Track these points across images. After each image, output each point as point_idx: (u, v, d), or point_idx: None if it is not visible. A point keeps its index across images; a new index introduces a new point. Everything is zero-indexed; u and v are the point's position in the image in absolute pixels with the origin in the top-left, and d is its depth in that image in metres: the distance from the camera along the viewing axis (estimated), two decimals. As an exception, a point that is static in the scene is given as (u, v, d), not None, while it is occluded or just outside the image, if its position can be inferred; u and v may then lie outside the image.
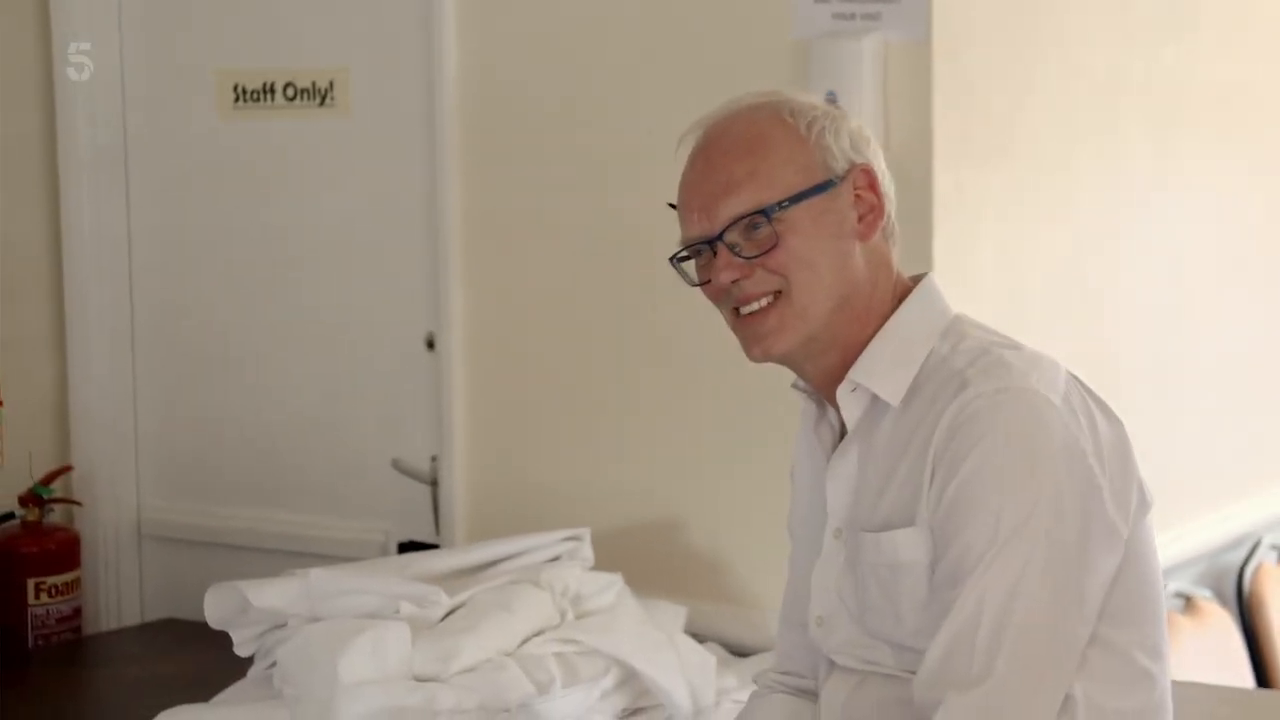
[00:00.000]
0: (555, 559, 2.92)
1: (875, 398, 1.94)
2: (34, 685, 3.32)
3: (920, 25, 2.91)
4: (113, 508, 3.72)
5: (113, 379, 3.72)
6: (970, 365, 1.89)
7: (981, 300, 3.04)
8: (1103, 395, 1.96)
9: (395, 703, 2.51)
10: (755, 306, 1.95)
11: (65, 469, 3.64)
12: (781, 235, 1.92)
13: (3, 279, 3.64)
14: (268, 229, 3.61)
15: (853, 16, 2.94)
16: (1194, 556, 3.70)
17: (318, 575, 2.73)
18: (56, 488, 3.58)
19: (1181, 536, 3.65)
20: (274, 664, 2.69)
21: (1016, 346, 1.93)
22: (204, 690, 2.84)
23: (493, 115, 3.30)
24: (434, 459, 3.40)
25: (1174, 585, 3.59)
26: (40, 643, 3.47)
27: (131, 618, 3.71)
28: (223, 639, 2.84)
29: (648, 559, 3.12)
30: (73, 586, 3.54)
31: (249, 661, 2.83)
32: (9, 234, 3.65)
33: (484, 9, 3.29)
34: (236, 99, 3.60)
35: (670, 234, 3.13)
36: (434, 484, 3.40)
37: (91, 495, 3.69)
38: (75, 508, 3.67)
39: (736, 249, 1.93)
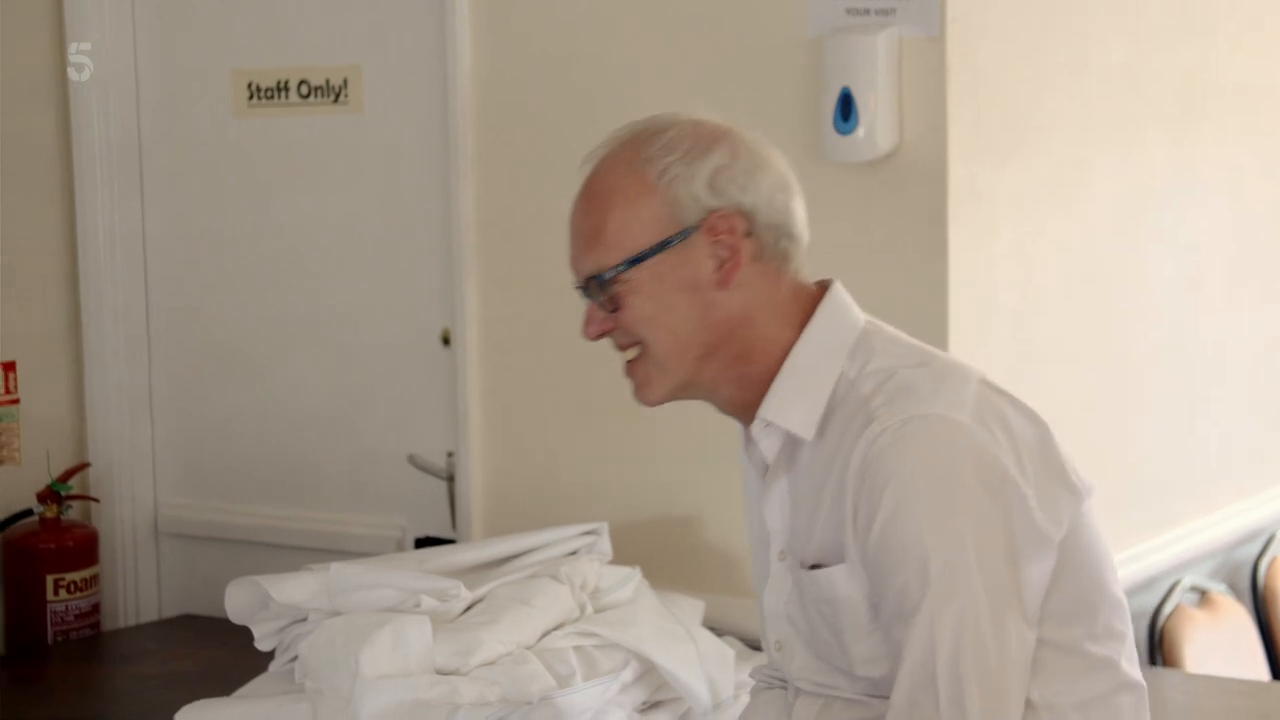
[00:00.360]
0: (573, 553, 2.92)
1: (790, 431, 1.93)
2: (54, 681, 3.32)
3: (934, 20, 2.91)
4: (129, 504, 3.73)
5: (129, 376, 3.73)
6: (876, 392, 1.87)
7: (996, 295, 3.06)
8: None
9: (417, 696, 2.52)
10: (629, 356, 1.95)
11: (82, 466, 3.65)
12: (624, 296, 1.90)
13: (19, 278, 3.65)
14: (282, 226, 3.62)
15: (867, 12, 2.94)
16: (1209, 551, 3.70)
17: (338, 570, 2.74)
18: (74, 484, 3.59)
19: (1196, 531, 3.65)
20: (295, 658, 2.70)
21: (924, 363, 1.90)
22: (223, 685, 2.85)
23: (506, 111, 3.31)
24: (450, 455, 3.40)
25: (1189, 579, 3.59)
26: (59, 638, 3.49)
27: (149, 614, 3.72)
28: (240, 634, 2.85)
29: (665, 553, 3.13)
30: (91, 583, 3.55)
31: (267, 657, 2.83)
32: (24, 233, 3.66)
33: (497, 6, 3.30)
34: (251, 97, 3.61)
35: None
36: (450, 479, 3.40)
37: (109, 492, 3.70)
38: (93, 505, 3.68)
39: (599, 301, 1.93)
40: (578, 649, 2.68)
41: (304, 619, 2.75)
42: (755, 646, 3.00)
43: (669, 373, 1.93)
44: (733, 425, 3.07)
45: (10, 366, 3.61)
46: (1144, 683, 1.97)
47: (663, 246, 1.89)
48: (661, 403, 1.95)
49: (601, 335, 1.95)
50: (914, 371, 1.88)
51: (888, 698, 1.85)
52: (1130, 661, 1.96)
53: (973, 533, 1.80)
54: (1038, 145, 3.18)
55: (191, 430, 3.73)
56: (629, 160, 1.91)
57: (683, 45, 3.13)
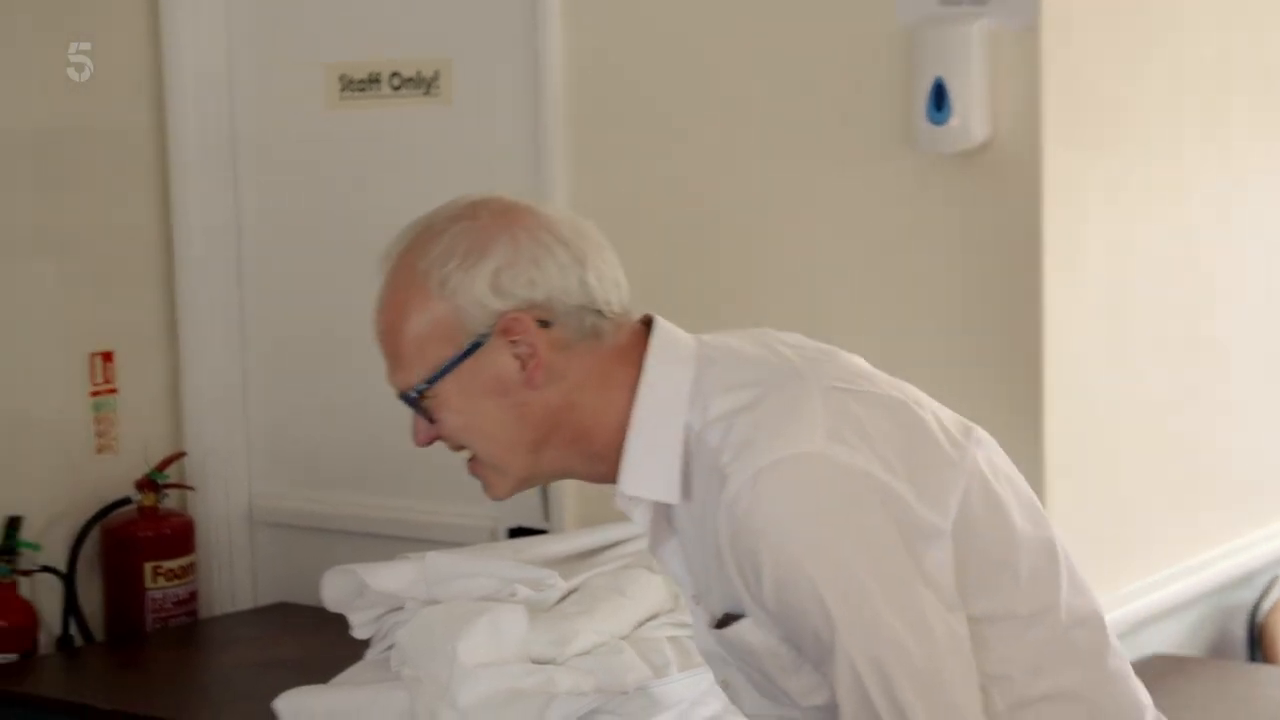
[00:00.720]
0: (666, 544, 2.93)
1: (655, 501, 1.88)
2: (153, 667, 3.37)
3: (1028, 11, 2.89)
4: (224, 493, 3.77)
5: (224, 366, 3.76)
6: (723, 446, 1.80)
7: (1090, 287, 3.04)
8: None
9: (513, 685, 2.53)
10: (467, 455, 1.91)
11: (178, 455, 3.68)
12: (434, 410, 1.85)
13: (116, 270, 3.69)
14: (374, 217, 3.63)
15: (959, 2, 2.93)
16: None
17: (434, 559, 2.76)
18: (170, 473, 3.63)
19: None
20: (391, 646, 2.73)
21: (760, 397, 1.81)
22: (318, 673, 2.87)
23: (598, 105, 3.31)
24: (542, 446, 3.41)
25: (1287, 575, 3.56)
26: (157, 625, 3.53)
27: (245, 602, 3.76)
28: (335, 623, 2.88)
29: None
30: (188, 570, 3.59)
31: (361, 645, 2.85)
32: (121, 225, 3.70)
33: (589, -1, 3.31)
34: (343, 90, 3.64)
35: (776, 226, 3.15)
36: (542, 470, 3.41)
37: (204, 481, 3.74)
38: (189, 493, 3.72)
39: (418, 413, 1.89)
40: (672, 640, 2.68)
41: (400, 607, 2.77)
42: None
43: (505, 472, 1.89)
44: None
45: (108, 357, 3.66)
46: (1096, 609, 1.90)
47: (459, 360, 1.83)
48: (512, 495, 1.92)
49: (430, 442, 1.90)
50: (753, 414, 1.81)
51: None
52: (1075, 590, 1.88)
53: (859, 555, 1.75)
54: (1132, 136, 3.16)
55: (286, 419, 3.77)
56: (409, 271, 1.85)
57: (775, 35, 3.13)
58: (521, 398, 1.84)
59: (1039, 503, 1.92)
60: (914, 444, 1.82)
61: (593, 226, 1.91)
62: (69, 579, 3.53)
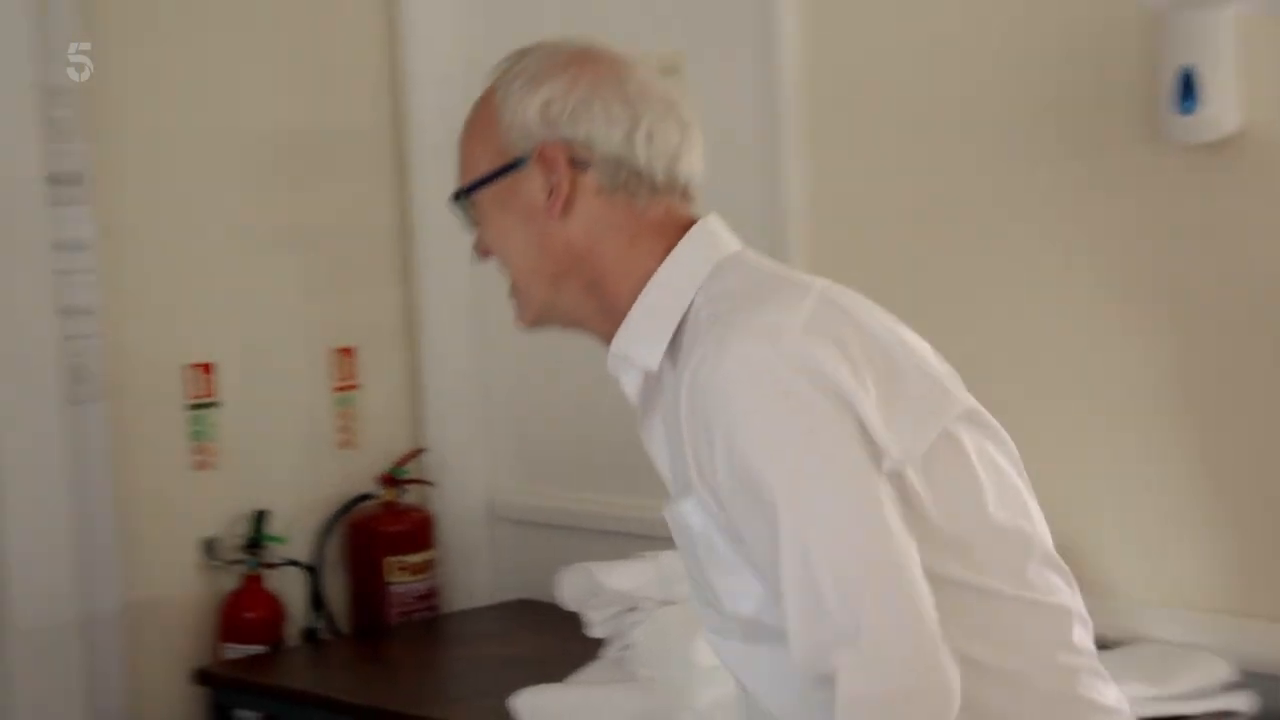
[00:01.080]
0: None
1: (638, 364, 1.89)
2: (395, 661, 3.42)
3: (1282, -5, 2.80)
4: (464, 489, 3.81)
5: (464, 363, 3.81)
6: (710, 320, 1.81)
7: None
8: None
9: (750, 688, 2.52)
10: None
11: (419, 451, 3.74)
12: (475, 220, 1.94)
13: (358, 266, 3.76)
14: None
15: (1208, -13, 2.85)
16: None
17: (669, 558, 2.76)
18: (410, 469, 3.69)
19: None
20: (628, 646, 2.73)
21: (761, 282, 1.83)
22: (555, 670, 2.89)
23: (833, 96, 3.28)
24: (778, 443, 3.39)
25: None
26: (400, 619, 3.59)
27: (483, 598, 3.79)
28: (573, 620, 2.89)
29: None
30: (428, 566, 3.65)
31: (597, 643, 2.87)
32: (362, 222, 3.77)
33: (825, -9, 3.28)
34: (577, 85, 3.65)
35: (1013, 219, 3.08)
36: (777, 468, 3.38)
37: (443, 476, 3.79)
38: (429, 489, 3.77)
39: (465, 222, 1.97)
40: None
41: (635, 607, 2.78)
42: (1100, 645, 2.92)
43: (528, 298, 1.94)
44: (1097, 437, 3.00)
45: (350, 352, 3.73)
46: (1065, 605, 1.85)
47: (498, 174, 1.90)
48: (533, 326, 1.96)
49: (483, 253, 1.97)
50: (745, 297, 1.82)
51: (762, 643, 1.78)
52: (1044, 587, 1.84)
53: (813, 436, 1.72)
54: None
55: (526, 415, 3.79)
56: (490, 87, 1.94)
57: (1016, 24, 3.07)
58: (544, 227, 1.90)
59: (1030, 499, 1.89)
60: (894, 381, 1.80)
61: (678, 98, 1.94)
62: (314, 572, 3.60)
